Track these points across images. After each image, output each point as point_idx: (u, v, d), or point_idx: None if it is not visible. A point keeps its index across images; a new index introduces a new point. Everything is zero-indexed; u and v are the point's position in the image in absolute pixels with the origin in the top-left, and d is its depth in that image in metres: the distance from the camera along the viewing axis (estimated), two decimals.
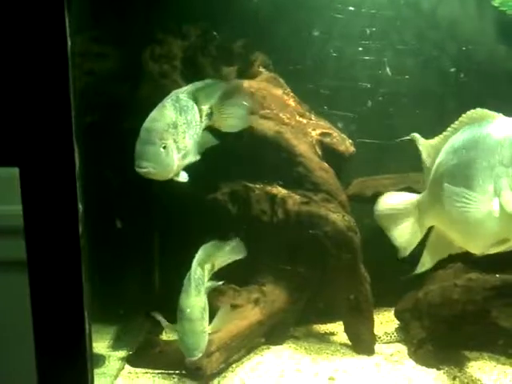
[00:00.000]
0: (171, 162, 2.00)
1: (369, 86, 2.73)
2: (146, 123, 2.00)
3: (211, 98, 2.19)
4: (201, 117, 2.16)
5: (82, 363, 1.70)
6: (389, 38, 2.68)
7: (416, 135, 2.09)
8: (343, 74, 2.82)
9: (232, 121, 2.29)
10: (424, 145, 2.08)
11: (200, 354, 1.86)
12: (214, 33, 2.67)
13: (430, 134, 2.06)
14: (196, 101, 2.15)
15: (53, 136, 1.64)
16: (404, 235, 2.15)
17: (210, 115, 2.21)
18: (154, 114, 2.03)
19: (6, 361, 2.02)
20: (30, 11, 1.57)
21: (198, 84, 2.20)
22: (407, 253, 2.15)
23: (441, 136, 2.01)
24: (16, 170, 1.63)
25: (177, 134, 2.01)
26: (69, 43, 1.65)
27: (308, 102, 2.82)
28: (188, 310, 1.87)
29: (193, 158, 2.11)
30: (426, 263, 2.11)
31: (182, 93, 2.11)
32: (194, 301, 1.89)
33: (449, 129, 1.97)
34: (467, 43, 2.53)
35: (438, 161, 2.00)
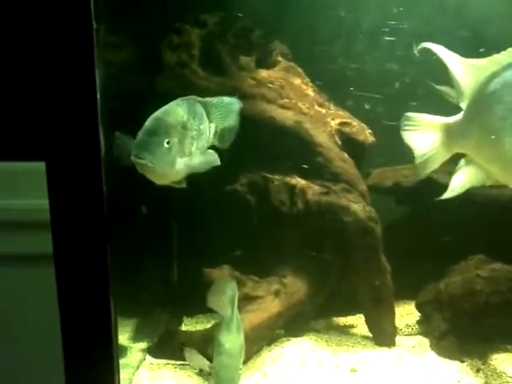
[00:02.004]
0: (172, 162, 1.80)
1: (396, 67, 2.68)
2: (155, 114, 1.84)
3: (224, 119, 2.01)
4: (211, 134, 1.98)
5: (109, 354, 1.70)
6: (416, 18, 2.62)
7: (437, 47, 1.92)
8: (369, 55, 2.76)
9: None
10: (460, 61, 1.89)
11: None
12: (239, 14, 2.61)
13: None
14: (208, 117, 1.98)
15: (78, 129, 1.63)
16: (424, 156, 2.03)
17: (215, 135, 2.02)
18: (166, 107, 1.88)
19: (34, 353, 2.03)
20: (56, 5, 1.56)
21: (213, 100, 2.01)
22: (423, 175, 2.07)
23: (489, 58, 1.84)
24: (42, 165, 1.62)
25: (184, 136, 1.84)
26: (94, 36, 1.64)
27: (333, 83, 2.77)
28: (228, 345, 1.89)
29: (191, 170, 1.89)
30: (455, 189, 1.98)
31: (199, 102, 1.96)
32: (235, 338, 1.92)
33: (497, 55, 1.81)
34: (499, 23, 2.47)
35: (483, 84, 1.83)
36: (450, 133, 1.98)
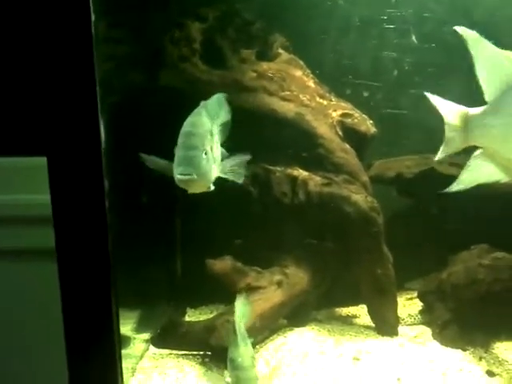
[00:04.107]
0: (211, 171, 1.86)
1: (394, 54, 2.68)
2: (186, 128, 1.87)
3: (220, 116, 2.04)
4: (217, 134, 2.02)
5: (111, 344, 1.74)
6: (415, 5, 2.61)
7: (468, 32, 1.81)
8: (368, 43, 2.76)
9: None
10: (492, 50, 1.80)
11: None
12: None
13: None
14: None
15: (79, 124, 1.66)
16: (444, 142, 1.97)
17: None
18: (191, 119, 1.90)
19: (38, 345, 2.06)
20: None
21: (208, 101, 2.04)
22: (439, 158, 2.00)
23: None
24: (44, 160, 1.64)
25: (212, 142, 1.90)
26: (93, 30, 1.66)
27: (332, 71, 2.79)
28: (239, 359, 1.93)
29: (218, 172, 1.94)
30: (463, 183, 1.92)
31: (207, 106, 2.00)
32: (244, 350, 1.96)
33: None
34: (497, 10, 2.45)
35: None
36: (470, 124, 1.91)
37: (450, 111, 1.96)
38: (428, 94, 2.00)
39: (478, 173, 1.91)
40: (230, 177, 1.97)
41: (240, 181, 2.02)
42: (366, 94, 2.77)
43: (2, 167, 2.07)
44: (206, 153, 1.84)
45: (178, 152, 1.83)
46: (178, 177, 1.81)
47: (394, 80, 2.77)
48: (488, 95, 1.84)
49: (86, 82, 1.66)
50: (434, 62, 2.55)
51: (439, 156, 2.01)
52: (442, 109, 1.98)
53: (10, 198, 2.05)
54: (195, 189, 1.90)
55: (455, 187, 1.93)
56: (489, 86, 1.82)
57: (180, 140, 1.85)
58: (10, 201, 2.05)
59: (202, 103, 1.99)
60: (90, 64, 1.67)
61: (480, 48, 1.80)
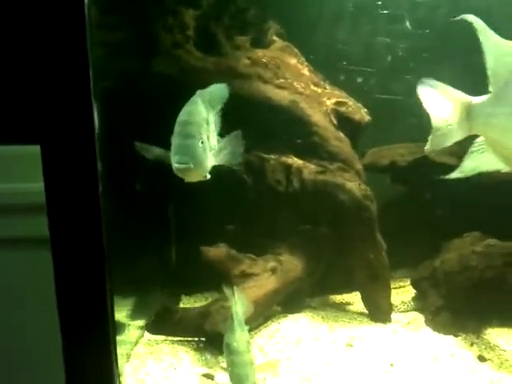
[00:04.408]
0: (207, 160, 1.87)
1: (388, 40, 2.68)
2: (183, 117, 1.87)
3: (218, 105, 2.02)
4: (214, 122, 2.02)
5: (106, 331, 1.74)
6: None
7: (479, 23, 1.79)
8: (361, 29, 2.76)
9: None
10: (498, 41, 1.78)
11: None
12: None
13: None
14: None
15: (72, 112, 1.65)
16: (439, 130, 1.94)
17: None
18: (188, 108, 1.90)
19: (33, 332, 2.07)
20: None
21: (208, 89, 2.01)
22: (434, 150, 1.99)
23: None
24: (37, 148, 1.63)
25: (208, 131, 1.90)
26: (86, 17, 1.65)
27: (326, 57, 2.80)
28: (235, 344, 1.97)
29: (214, 161, 1.93)
30: (464, 171, 1.91)
31: (204, 95, 1.98)
32: (240, 335, 1.99)
33: None
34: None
35: None
36: (472, 113, 1.89)
37: (451, 97, 1.93)
38: (429, 81, 1.97)
39: (478, 161, 1.91)
40: (226, 162, 1.96)
41: (239, 160, 1.99)
42: (359, 80, 2.77)
43: None
44: (203, 142, 1.84)
45: (175, 141, 1.83)
46: (175, 165, 1.81)
47: (388, 66, 2.77)
48: (492, 84, 1.83)
49: (79, 70, 1.65)
50: (428, 47, 2.54)
51: (440, 146, 1.97)
52: (444, 96, 1.95)
53: (3, 187, 2.05)
54: (192, 177, 1.90)
55: (455, 175, 1.92)
56: (494, 75, 1.82)
57: (176, 129, 1.85)
58: (4, 189, 2.05)
59: (198, 92, 1.98)
60: (84, 52, 1.66)
61: (488, 38, 1.80)
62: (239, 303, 2.08)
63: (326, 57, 2.80)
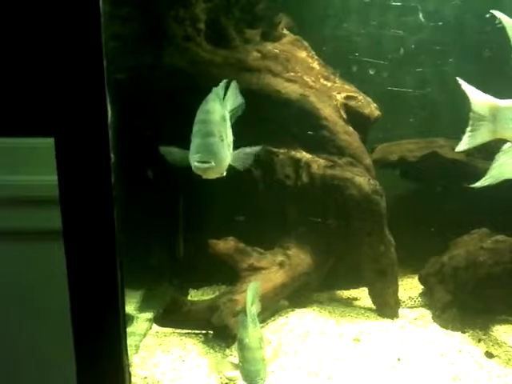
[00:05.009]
0: (227, 157, 1.87)
1: (401, 33, 2.66)
2: (201, 115, 1.86)
3: (233, 102, 2.05)
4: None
5: (116, 323, 1.75)
6: None
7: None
8: (375, 22, 2.74)
9: None
10: None
11: (263, 382, 1.94)
12: None
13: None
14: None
15: (86, 105, 1.65)
16: (467, 132, 1.93)
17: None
18: (206, 107, 1.89)
19: (44, 324, 2.09)
20: None
21: (221, 87, 2.03)
22: (461, 149, 1.97)
23: None
24: (51, 140, 1.63)
25: (225, 128, 1.91)
26: (101, 9, 1.64)
27: (339, 48, 2.79)
28: (247, 340, 1.96)
29: (230, 158, 1.93)
30: (490, 179, 1.90)
31: (217, 93, 1.99)
32: (252, 331, 1.98)
33: None
34: None
35: None
36: (499, 116, 1.88)
37: (480, 101, 1.92)
38: (461, 81, 1.95)
39: (505, 167, 1.89)
40: (238, 165, 1.97)
41: (243, 169, 2.01)
42: (371, 73, 2.75)
43: (10, 148, 2.07)
44: (222, 139, 1.84)
45: (195, 140, 1.82)
46: (195, 164, 1.80)
47: (401, 58, 2.75)
48: None
49: (93, 63, 1.65)
50: (441, 40, 2.51)
51: (463, 147, 1.96)
52: (472, 98, 1.93)
53: (16, 179, 2.06)
54: (211, 175, 1.89)
55: (484, 182, 1.91)
56: None
57: (196, 128, 1.84)
58: (17, 181, 2.05)
59: (214, 89, 1.97)
60: (98, 44, 1.65)
61: None
62: (253, 299, 2.08)
63: (336, 49, 2.78)
